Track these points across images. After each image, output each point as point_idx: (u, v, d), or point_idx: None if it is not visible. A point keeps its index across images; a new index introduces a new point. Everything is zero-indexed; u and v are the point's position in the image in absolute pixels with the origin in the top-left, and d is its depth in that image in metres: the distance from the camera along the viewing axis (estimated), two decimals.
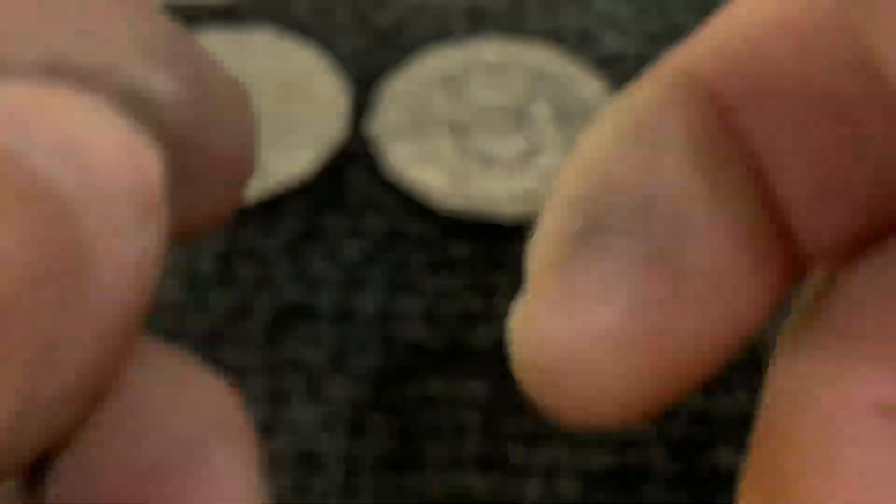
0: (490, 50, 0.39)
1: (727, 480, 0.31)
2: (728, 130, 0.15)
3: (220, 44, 0.39)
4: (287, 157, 0.36)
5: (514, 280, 0.34)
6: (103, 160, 0.11)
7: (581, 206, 0.14)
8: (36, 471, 0.15)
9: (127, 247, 0.11)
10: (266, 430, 0.31)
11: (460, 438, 0.31)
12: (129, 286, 0.11)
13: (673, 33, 0.40)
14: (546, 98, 0.37)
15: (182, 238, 0.14)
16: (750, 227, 0.15)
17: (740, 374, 0.32)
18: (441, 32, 0.40)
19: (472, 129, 0.37)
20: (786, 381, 0.15)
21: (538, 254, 0.15)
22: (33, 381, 0.10)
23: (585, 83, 0.38)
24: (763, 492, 0.15)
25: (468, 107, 0.37)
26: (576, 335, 0.14)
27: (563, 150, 0.35)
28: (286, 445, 0.31)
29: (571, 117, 0.36)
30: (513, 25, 0.41)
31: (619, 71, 0.39)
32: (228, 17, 0.41)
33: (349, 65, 0.40)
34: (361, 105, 0.38)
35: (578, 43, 0.39)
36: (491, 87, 0.38)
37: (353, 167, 0.37)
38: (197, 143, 0.13)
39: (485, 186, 0.35)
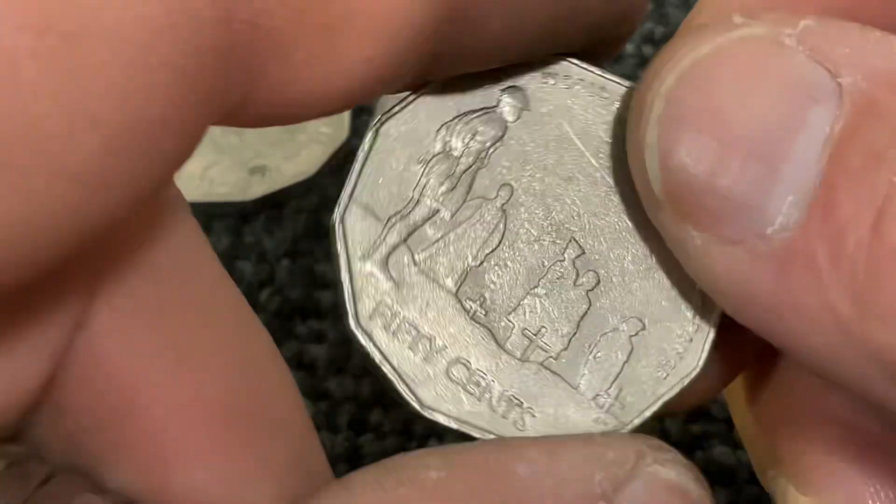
0: None
1: (723, 478, 0.31)
2: None
3: None
4: (290, 157, 0.37)
5: None
6: None
7: None
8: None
9: None
10: None
11: (463, 435, 0.32)
12: None
13: (669, 35, 0.40)
14: None
15: None
16: None
17: None
18: None
19: None
20: None
21: None
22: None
23: None
24: None
25: None
26: None
27: None
28: None
29: None
30: None
31: (619, 71, 0.39)
32: None
33: None
34: (363, 105, 0.38)
35: None
36: None
37: None
38: None
39: None
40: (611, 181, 0.17)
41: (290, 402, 0.18)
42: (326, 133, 0.37)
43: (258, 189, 0.36)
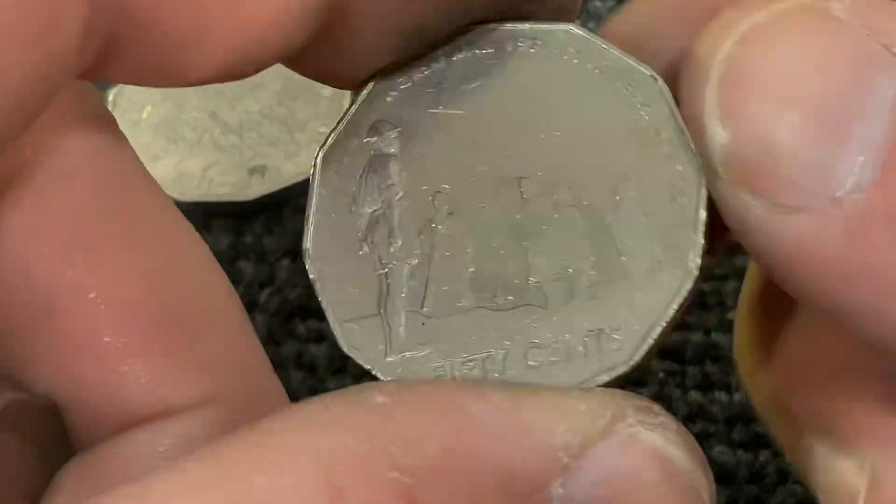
0: None
1: (723, 478, 0.31)
2: None
3: None
4: (290, 157, 0.37)
5: None
6: None
7: None
8: None
9: None
10: None
11: None
12: None
13: None
14: None
15: None
16: None
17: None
18: None
19: None
20: None
21: None
22: None
23: None
24: None
25: None
26: None
27: None
28: None
29: None
30: None
31: None
32: None
33: None
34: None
35: None
36: None
37: None
38: None
39: None
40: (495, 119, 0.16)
41: (220, 301, 0.18)
42: (326, 132, 0.37)
43: (258, 189, 0.36)
